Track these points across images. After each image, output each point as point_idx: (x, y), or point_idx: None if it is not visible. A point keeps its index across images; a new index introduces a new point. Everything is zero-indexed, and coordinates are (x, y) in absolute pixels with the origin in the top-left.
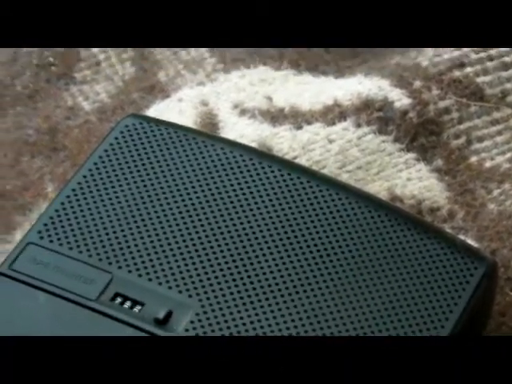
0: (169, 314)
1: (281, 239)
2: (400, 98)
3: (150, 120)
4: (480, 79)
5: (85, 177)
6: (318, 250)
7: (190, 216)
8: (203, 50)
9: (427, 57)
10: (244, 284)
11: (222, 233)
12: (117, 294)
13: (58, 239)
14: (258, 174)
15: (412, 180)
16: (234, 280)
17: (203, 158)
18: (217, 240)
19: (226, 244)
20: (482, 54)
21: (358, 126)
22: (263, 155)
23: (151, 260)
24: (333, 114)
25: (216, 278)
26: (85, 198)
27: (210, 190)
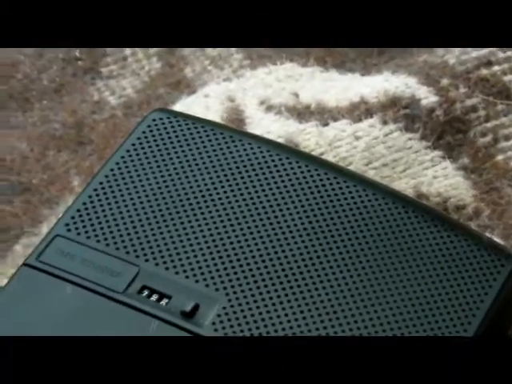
0: (196, 308)
1: (308, 235)
2: (427, 96)
3: (177, 114)
4: (507, 78)
5: (112, 170)
6: (345, 246)
7: (218, 211)
8: None
9: (454, 55)
10: (271, 279)
11: (249, 227)
12: (144, 287)
13: (86, 232)
14: (285, 170)
15: (438, 178)
16: (261, 275)
17: (231, 152)
18: (244, 235)
19: (254, 239)
20: (510, 53)
21: (385, 123)
22: (290, 151)
23: (178, 253)
24: (359, 110)
25: (243, 272)
26: (112, 192)
27: (237, 184)
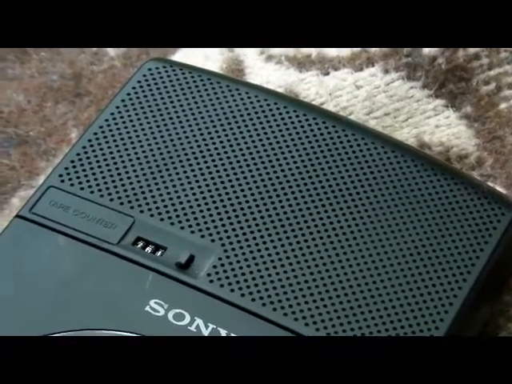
0: (191, 259)
1: (305, 184)
2: None
3: (173, 64)
4: None
5: (107, 120)
6: (343, 195)
7: (213, 160)
8: None
9: None
10: (267, 229)
11: (245, 177)
12: (138, 238)
13: (80, 183)
14: (282, 119)
15: (440, 127)
16: (257, 225)
17: (227, 102)
18: (240, 185)
19: (250, 189)
20: None
21: (386, 72)
22: (288, 100)
23: (173, 204)
24: (360, 59)
25: (239, 222)
26: (106, 142)
27: (233, 134)
